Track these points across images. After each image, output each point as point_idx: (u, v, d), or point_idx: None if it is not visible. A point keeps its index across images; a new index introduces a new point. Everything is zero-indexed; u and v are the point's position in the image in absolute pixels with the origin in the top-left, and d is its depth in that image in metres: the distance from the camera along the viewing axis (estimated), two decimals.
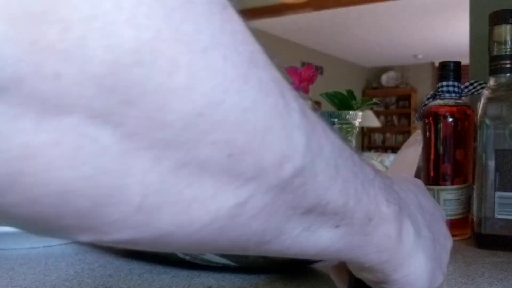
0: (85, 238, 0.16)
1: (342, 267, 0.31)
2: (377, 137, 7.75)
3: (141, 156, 0.15)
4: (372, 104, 0.77)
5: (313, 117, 0.20)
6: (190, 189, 0.16)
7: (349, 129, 0.72)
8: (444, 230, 0.32)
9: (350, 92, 0.75)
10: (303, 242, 0.22)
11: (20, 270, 0.47)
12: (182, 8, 0.14)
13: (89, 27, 0.13)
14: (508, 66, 0.58)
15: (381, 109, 7.54)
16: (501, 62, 0.58)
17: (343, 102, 0.74)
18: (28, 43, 0.12)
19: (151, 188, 0.15)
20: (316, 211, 0.21)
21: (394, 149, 7.35)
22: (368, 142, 7.76)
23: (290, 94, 0.18)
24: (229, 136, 0.16)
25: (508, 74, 0.58)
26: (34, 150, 0.13)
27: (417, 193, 0.30)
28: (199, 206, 0.17)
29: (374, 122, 6.30)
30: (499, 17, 0.59)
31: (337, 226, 0.22)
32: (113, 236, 0.16)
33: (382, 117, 7.52)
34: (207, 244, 0.19)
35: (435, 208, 0.32)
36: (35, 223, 0.15)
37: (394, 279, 0.27)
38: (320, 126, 0.20)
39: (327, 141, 0.21)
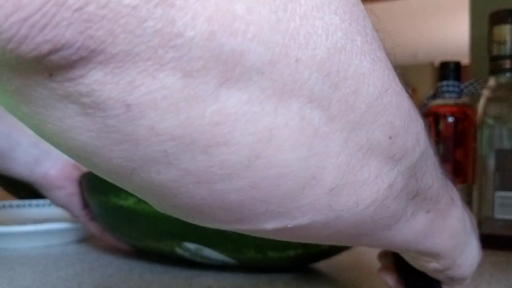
0: (270, 225, 0.17)
1: (389, 265, 0.33)
2: None
3: (336, 138, 0.16)
4: None
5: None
6: (363, 170, 0.17)
7: None
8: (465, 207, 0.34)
9: None
10: (406, 228, 0.22)
11: (20, 270, 0.47)
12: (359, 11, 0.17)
13: (316, 16, 0.14)
14: (508, 66, 0.58)
15: None
16: (501, 62, 0.58)
17: None
18: (285, 29, 0.13)
19: (341, 171, 0.17)
20: (421, 196, 0.22)
21: None
22: None
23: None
24: (392, 119, 0.18)
25: (508, 74, 0.58)
26: (272, 132, 0.14)
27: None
28: (367, 188, 0.18)
29: None
30: (499, 17, 0.59)
31: (428, 211, 0.23)
32: (297, 220, 0.17)
33: None
34: (351, 229, 0.20)
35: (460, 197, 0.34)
36: (231, 212, 0.16)
37: (459, 263, 0.28)
38: (421, 121, 0.22)
39: (426, 132, 0.22)
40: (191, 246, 0.45)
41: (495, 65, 0.59)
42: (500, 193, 0.56)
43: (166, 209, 0.17)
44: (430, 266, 0.28)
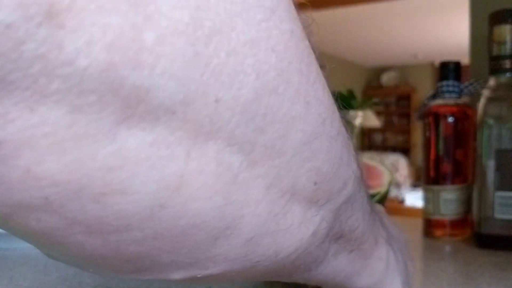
0: (177, 275, 0.15)
1: None
2: (377, 137, 7.75)
3: (257, 185, 0.15)
4: (372, 104, 0.77)
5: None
6: (286, 218, 0.16)
7: (349, 129, 0.72)
8: (409, 255, 0.33)
9: (350, 92, 0.75)
10: (327, 268, 0.22)
11: (20, 270, 0.47)
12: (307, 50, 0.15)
13: (247, 53, 0.13)
14: (508, 66, 0.58)
15: (381, 109, 7.54)
16: (501, 62, 0.58)
17: (343, 101, 0.74)
18: (204, 65, 0.12)
19: (261, 219, 0.15)
20: (345, 237, 0.21)
21: (394, 149, 7.35)
22: (368, 142, 7.76)
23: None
24: (320, 164, 0.17)
25: (508, 74, 0.58)
26: (183, 179, 0.13)
27: (384, 217, 0.31)
28: (289, 236, 0.17)
29: (374, 122, 6.30)
30: (499, 17, 0.59)
31: (351, 251, 0.22)
32: (208, 271, 0.16)
33: (382, 117, 7.52)
34: (268, 274, 0.19)
35: (400, 233, 0.33)
36: (129, 263, 0.14)
37: None
38: (351, 145, 0.21)
39: (357, 162, 0.21)
40: None
41: (495, 65, 0.59)
42: (500, 193, 0.56)
43: (57, 258, 0.15)
44: None
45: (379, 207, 0.34)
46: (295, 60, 0.15)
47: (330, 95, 0.17)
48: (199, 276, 0.16)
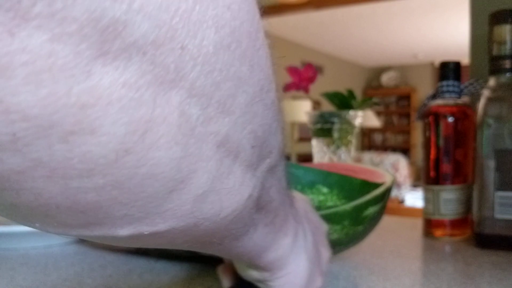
0: (125, 231, 0.15)
1: (229, 266, 0.33)
2: (377, 137, 7.75)
3: (210, 141, 0.15)
4: (372, 104, 0.77)
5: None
6: (229, 178, 0.17)
7: (349, 129, 0.72)
8: (325, 242, 0.33)
9: (350, 92, 0.75)
10: (249, 239, 0.22)
11: (20, 270, 0.47)
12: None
13: (209, 5, 0.13)
14: (508, 66, 0.58)
15: (381, 109, 7.55)
16: (501, 62, 0.58)
17: (343, 102, 0.74)
18: (174, 9, 0.12)
19: (210, 176, 0.16)
20: (265, 208, 0.22)
21: (394, 149, 7.35)
22: (368, 142, 7.76)
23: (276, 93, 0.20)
24: (256, 128, 0.17)
25: (508, 74, 0.58)
26: (148, 125, 0.13)
27: (305, 205, 0.32)
28: (230, 196, 0.17)
29: (374, 122, 6.30)
30: (499, 17, 0.59)
31: (266, 225, 0.23)
32: (157, 227, 0.16)
33: (382, 117, 7.52)
34: (205, 236, 0.19)
35: (319, 222, 0.34)
36: (82, 215, 0.14)
37: (278, 276, 0.27)
38: (281, 117, 0.22)
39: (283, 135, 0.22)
40: None
41: (495, 65, 0.59)
42: (500, 193, 0.56)
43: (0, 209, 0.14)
44: (252, 275, 0.28)
45: (297, 194, 0.34)
46: (246, 22, 0.15)
47: (271, 65, 0.18)
48: (146, 233, 0.16)
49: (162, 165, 0.14)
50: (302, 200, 0.33)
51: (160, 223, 0.15)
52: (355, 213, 0.42)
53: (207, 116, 0.14)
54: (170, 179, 0.14)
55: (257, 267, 0.27)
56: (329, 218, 0.39)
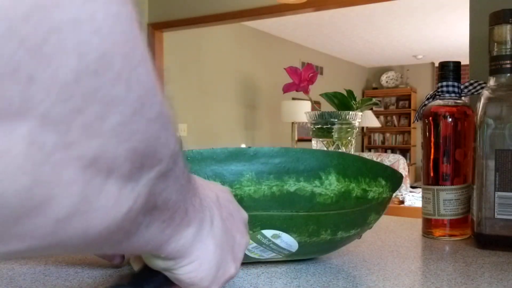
0: None
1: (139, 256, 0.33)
2: (377, 137, 7.75)
3: (72, 165, 0.15)
4: (372, 104, 0.77)
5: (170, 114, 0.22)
6: (100, 197, 0.17)
7: (349, 129, 0.72)
8: (242, 229, 0.33)
9: (350, 92, 0.75)
10: (139, 239, 0.22)
11: (20, 270, 0.47)
12: None
13: (70, 33, 0.13)
14: (508, 66, 0.58)
15: (381, 109, 7.54)
16: (501, 62, 0.58)
17: (343, 102, 0.74)
18: (19, 41, 0.12)
19: (74, 200, 0.15)
20: (159, 209, 0.22)
21: (394, 149, 7.34)
22: (368, 142, 7.76)
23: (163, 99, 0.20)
24: (137, 144, 0.17)
25: (508, 74, 0.58)
26: None
27: (220, 193, 0.32)
28: (103, 214, 0.17)
29: (374, 122, 6.30)
30: (499, 17, 0.59)
31: (164, 221, 0.23)
32: (12, 246, 0.16)
33: (382, 117, 7.52)
34: (78, 248, 0.19)
35: (237, 210, 0.34)
36: None
37: (183, 264, 0.27)
38: (172, 125, 0.22)
39: (176, 140, 0.22)
40: (267, 233, 0.44)
41: (495, 65, 0.59)
42: (500, 193, 0.56)
43: None
44: (157, 264, 0.28)
45: (214, 183, 0.34)
46: (120, 43, 0.15)
47: (154, 79, 0.18)
48: (3, 250, 0.16)
49: (6, 196, 0.13)
50: (217, 189, 0.33)
51: (15, 243, 0.15)
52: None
53: (67, 142, 0.14)
54: (20, 207, 0.14)
55: (160, 256, 0.27)
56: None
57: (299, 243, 0.45)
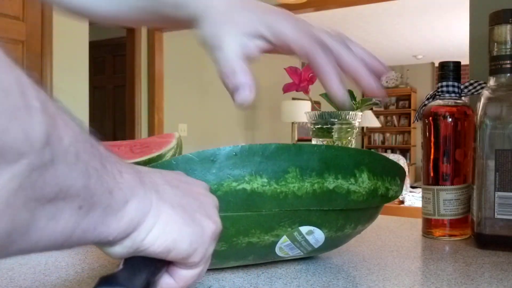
0: None
1: None
2: (377, 137, 7.75)
3: None
4: (372, 104, 0.77)
5: (54, 109, 0.21)
6: None
7: (349, 129, 0.72)
8: (203, 191, 0.34)
9: (350, 92, 0.75)
10: (51, 232, 0.22)
11: (20, 270, 0.47)
12: None
13: None
14: (508, 66, 0.58)
15: (381, 109, 7.54)
16: (501, 62, 0.58)
17: None
18: None
19: None
20: (59, 198, 0.21)
21: (394, 149, 7.34)
22: (368, 142, 7.76)
23: (32, 92, 0.19)
24: None
25: (508, 74, 0.58)
26: None
27: (164, 172, 0.33)
28: None
29: (374, 122, 6.30)
30: (499, 17, 0.59)
31: (80, 207, 0.23)
32: None
33: (382, 117, 7.52)
34: None
35: (192, 180, 0.35)
36: None
37: (143, 237, 0.27)
38: (60, 118, 0.21)
39: (67, 130, 0.22)
40: (303, 229, 0.45)
41: (495, 65, 0.59)
42: (500, 193, 0.56)
43: None
44: (116, 252, 0.27)
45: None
46: None
47: (7, 75, 0.18)
48: None
49: None
50: (164, 171, 0.33)
51: None
52: None
53: None
54: None
55: (110, 242, 0.26)
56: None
57: (326, 238, 0.47)
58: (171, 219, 0.28)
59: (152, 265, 0.28)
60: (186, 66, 3.93)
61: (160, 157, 0.66)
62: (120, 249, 0.27)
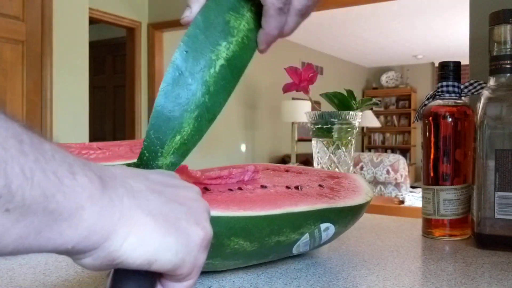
0: None
1: None
2: (377, 137, 7.75)
3: None
4: (372, 104, 0.77)
5: None
6: None
7: (349, 129, 0.72)
8: (193, 196, 0.31)
9: (350, 92, 0.75)
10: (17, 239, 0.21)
11: (20, 270, 0.47)
12: None
13: None
14: (508, 66, 0.58)
15: (381, 109, 7.55)
16: (501, 62, 0.58)
17: (343, 102, 0.74)
18: None
19: None
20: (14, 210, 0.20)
21: (394, 149, 7.34)
22: (368, 142, 7.76)
23: None
24: None
25: (508, 74, 0.58)
26: None
27: (151, 175, 0.31)
28: None
29: (374, 122, 6.30)
30: (499, 17, 0.59)
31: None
32: None
33: (382, 117, 7.52)
34: None
35: (183, 184, 0.32)
36: None
37: (117, 247, 0.25)
38: None
39: None
40: (323, 226, 0.47)
41: (495, 65, 0.59)
42: (500, 193, 0.56)
43: None
44: (87, 263, 0.26)
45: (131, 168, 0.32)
46: None
47: None
48: None
49: None
50: (153, 172, 0.32)
51: None
52: None
53: None
54: None
55: (77, 251, 0.25)
56: None
57: (333, 234, 0.49)
58: (150, 228, 0.26)
59: (142, 278, 0.27)
60: None
61: None
62: (92, 261, 0.25)
